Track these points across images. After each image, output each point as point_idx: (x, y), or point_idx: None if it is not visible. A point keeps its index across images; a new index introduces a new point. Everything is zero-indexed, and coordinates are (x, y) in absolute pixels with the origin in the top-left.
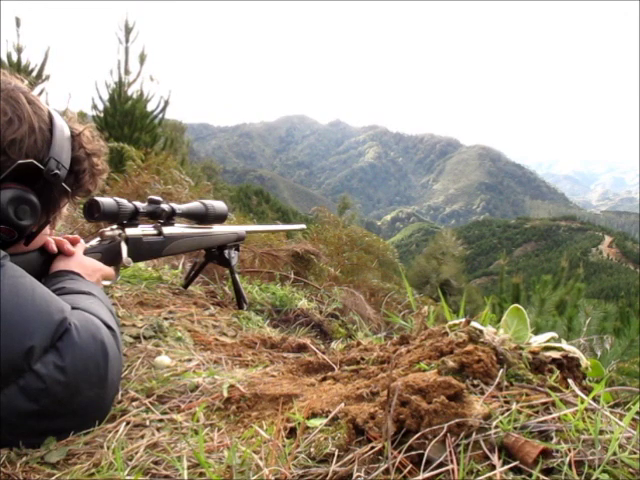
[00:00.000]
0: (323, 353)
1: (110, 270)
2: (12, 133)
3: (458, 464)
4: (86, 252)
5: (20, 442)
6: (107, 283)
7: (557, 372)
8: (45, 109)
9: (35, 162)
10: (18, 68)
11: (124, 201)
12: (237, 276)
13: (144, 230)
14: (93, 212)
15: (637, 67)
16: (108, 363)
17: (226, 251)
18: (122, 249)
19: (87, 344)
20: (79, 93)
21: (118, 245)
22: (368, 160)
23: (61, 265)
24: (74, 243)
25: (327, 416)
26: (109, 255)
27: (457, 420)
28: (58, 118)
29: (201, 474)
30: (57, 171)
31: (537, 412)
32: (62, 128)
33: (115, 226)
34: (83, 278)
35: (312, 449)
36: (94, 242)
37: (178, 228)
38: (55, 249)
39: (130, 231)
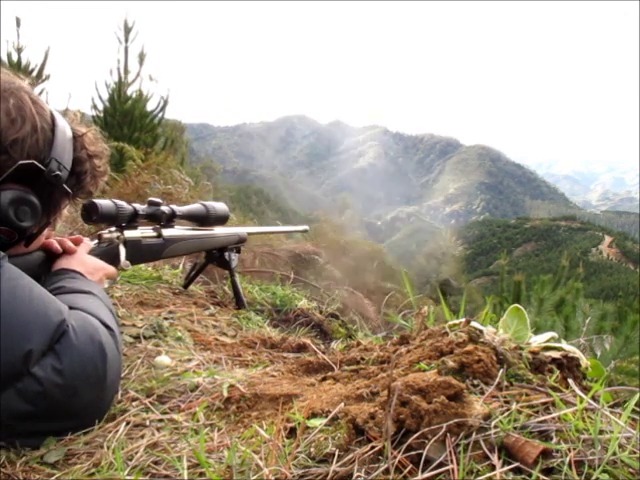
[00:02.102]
0: (323, 353)
1: (112, 269)
2: (15, 133)
3: (458, 464)
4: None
5: (18, 443)
6: (106, 284)
7: (557, 372)
8: (47, 109)
9: (36, 163)
10: (18, 68)
11: (123, 203)
12: (237, 278)
13: (143, 232)
14: (91, 214)
15: (637, 67)
16: (106, 364)
17: (226, 253)
18: (120, 252)
19: (85, 345)
20: (79, 93)
21: (116, 248)
22: (368, 160)
23: (62, 263)
24: (77, 243)
25: (327, 416)
26: (107, 258)
27: (457, 420)
28: (60, 119)
29: (201, 474)
30: (58, 172)
31: (537, 412)
32: (64, 129)
33: (114, 228)
34: (84, 277)
35: (312, 449)
36: (92, 244)
37: (178, 230)
38: (60, 248)
39: (129, 233)
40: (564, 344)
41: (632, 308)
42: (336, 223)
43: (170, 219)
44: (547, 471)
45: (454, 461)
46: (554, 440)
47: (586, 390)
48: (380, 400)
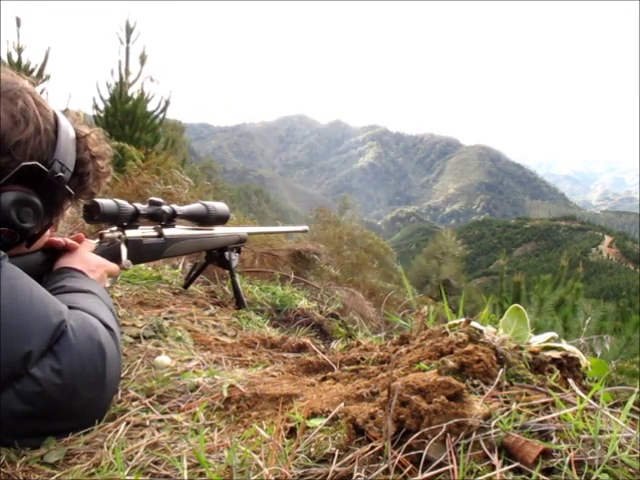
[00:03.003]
0: (323, 353)
1: (114, 266)
2: (18, 134)
3: (458, 464)
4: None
5: (17, 443)
6: (108, 283)
7: (557, 372)
8: (51, 110)
9: (39, 164)
10: (18, 68)
11: (124, 203)
12: (237, 278)
13: (144, 232)
14: (93, 214)
15: (637, 67)
16: (106, 363)
17: (227, 253)
18: (122, 251)
19: (84, 345)
20: (79, 93)
21: (118, 247)
22: (368, 160)
23: (63, 262)
24: (78, 242)
25: (327, 416)
26: (108, 257)
27: (457, 420)
28: (63, 120)
29: (201, 474)
30: (61, 174)
31: (537, 412)
32: (67, 130)
33: (115, 228)
34: (85, 275)
35: (312, 449)
36: (94, 243)
37: (179, 230)
38: (62, 241)
39: (130, 233)
40: (564, 344)
41: (634, 309)
42: (336, 216)
43: (171, 219)
44: (547, 471)
45: (454, 461)
46: (554, 440)
47: (586, 390)
48: (380, 400)
